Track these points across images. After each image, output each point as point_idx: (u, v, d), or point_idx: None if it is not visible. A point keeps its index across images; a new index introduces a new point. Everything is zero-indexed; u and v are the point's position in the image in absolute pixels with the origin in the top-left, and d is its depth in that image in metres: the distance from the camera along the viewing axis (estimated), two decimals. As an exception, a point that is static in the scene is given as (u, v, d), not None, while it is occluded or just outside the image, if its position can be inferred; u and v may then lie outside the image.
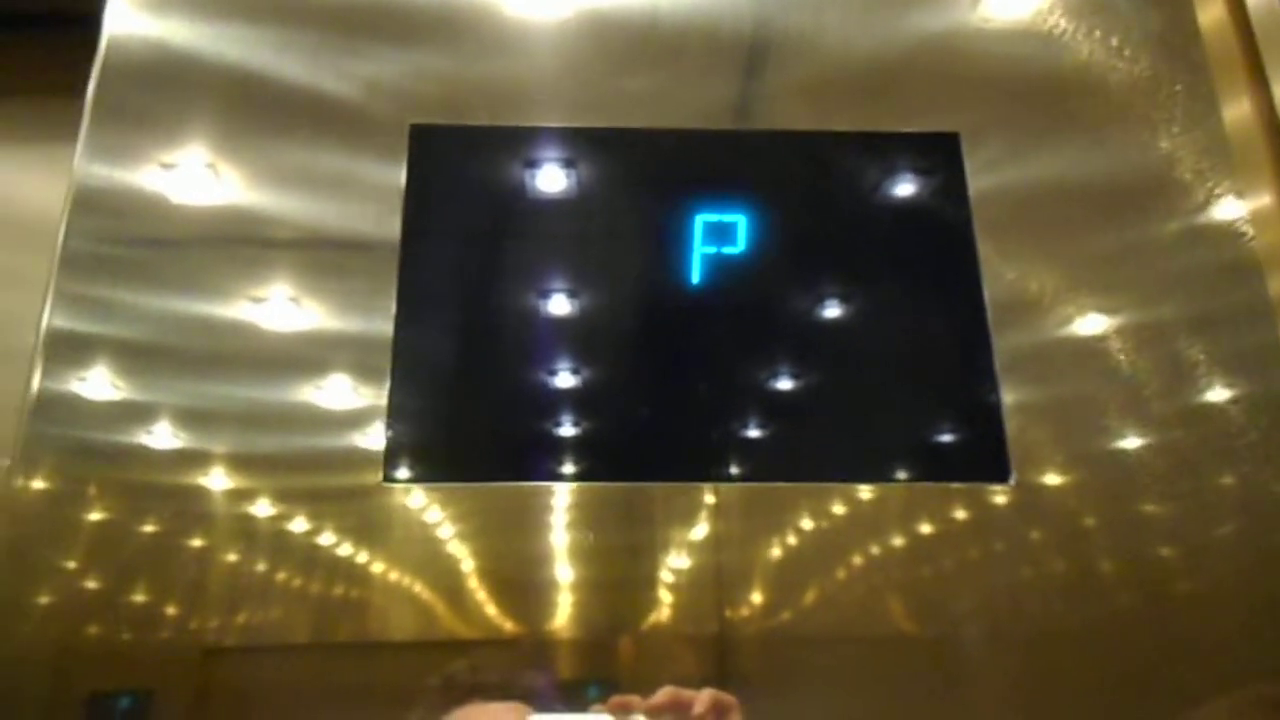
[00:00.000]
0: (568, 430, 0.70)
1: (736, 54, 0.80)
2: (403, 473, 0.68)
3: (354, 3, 0.80)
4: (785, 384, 0.72)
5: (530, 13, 0.80)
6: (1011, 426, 0.70)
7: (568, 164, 0.76)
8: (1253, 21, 0.79)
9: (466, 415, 0.71)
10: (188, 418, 0.68)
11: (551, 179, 0.76)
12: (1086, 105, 0.79)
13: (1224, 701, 0.64)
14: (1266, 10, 0.79)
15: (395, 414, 0.69)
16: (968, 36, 0.81)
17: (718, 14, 0.81)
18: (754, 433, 0.70)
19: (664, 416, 0.71)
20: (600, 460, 0.69)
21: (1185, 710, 0.64)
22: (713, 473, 0.69)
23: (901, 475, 0.70)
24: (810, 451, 0.71)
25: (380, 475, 0.67)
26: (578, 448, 0.70)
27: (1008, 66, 0.80)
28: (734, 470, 0.69)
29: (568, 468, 0.69)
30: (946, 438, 0.71)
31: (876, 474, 0.70)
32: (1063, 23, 0.81)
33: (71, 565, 0.65)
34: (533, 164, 0.76)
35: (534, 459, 0.69)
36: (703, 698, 0.63)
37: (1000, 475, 0.69)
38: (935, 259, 0.75)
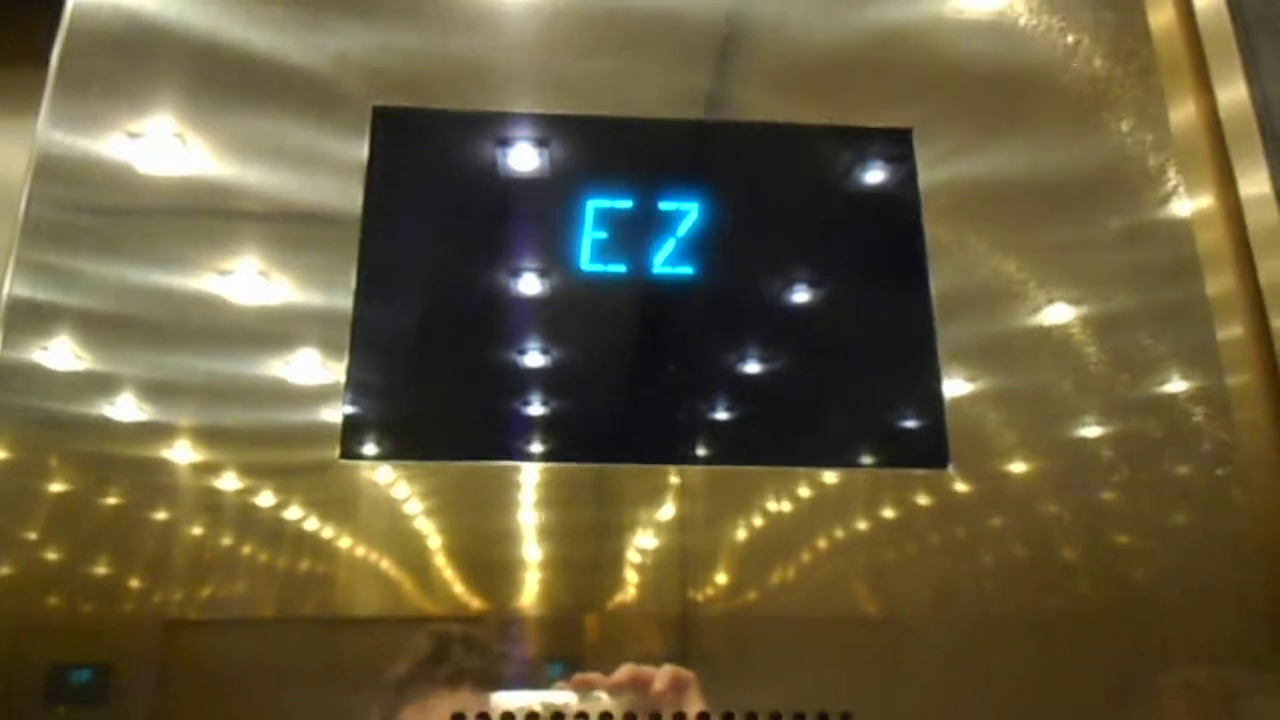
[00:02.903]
0: (530, 408, 0.70)
1: (708, 39, 0.81)
2: (361, 449, 0.68)
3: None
4: (747, 370, 0.73)
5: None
6: (959, 414, 0.72)
7: (534, 145, 0.77)
8: (1200, 26, 0.81)
9: (425, 391, 0.71)
10: (151, 389, 0.68)
11: (516, 160, 0.76)
12: (1040, 102, 0.80)
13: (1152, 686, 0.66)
14: (1213, 15, 0.81)
15: (353, 389, 0.69)
16: (928, 31, 0.82)
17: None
18: (718, 416, 0.71)
19: (627, 398, 0.72)
20: (561, 440, 0.70)
21: (1128, 691, 0.66)
22: (677, 455, 0.70)
23: (859, 460, 0.71)
24: (774, 436, 0.72)
25: (337, 452, 0.67)
26: (538, 426, 0.70)
27: (965, 61, 0.81)
28: (699, 453, 0.70)
29: (531, 446, 0.69)
30: (904, 424, 0.72)
31: (835, 459, 0.71)
32: (1020, 20, 0.83)
33: (32, 536, 0.64)
34: (498, 145, 0.76)
35: (493, 437, 0.69)
36: (662, 674, 0.64)
37: (941, 462, 0.71)
38: (889, 250, 0.76)
